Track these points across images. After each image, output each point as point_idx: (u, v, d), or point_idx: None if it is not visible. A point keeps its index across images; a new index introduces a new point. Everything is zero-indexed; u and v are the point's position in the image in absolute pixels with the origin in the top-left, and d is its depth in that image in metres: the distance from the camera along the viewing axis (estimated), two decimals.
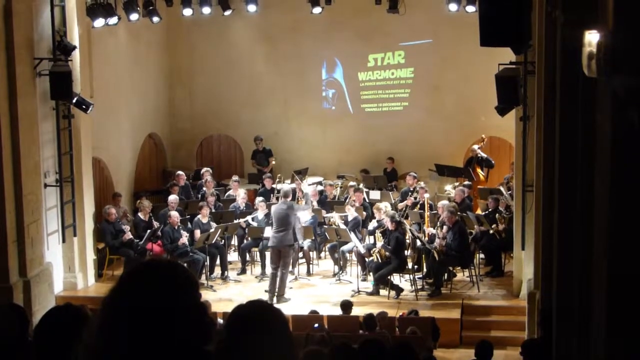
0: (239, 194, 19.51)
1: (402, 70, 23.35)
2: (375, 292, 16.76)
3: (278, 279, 16.56)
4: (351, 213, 18.10)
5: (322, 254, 19.12)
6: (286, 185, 18.38)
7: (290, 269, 17.22)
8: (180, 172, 20.68)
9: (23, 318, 5.94)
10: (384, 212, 17.21)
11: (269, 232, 17.14)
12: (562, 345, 8.97)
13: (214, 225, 17.85)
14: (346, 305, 14.69)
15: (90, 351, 2.80)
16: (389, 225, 16.60)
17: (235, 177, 20.95)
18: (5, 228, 14.77)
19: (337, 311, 14.90)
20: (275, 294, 16.53)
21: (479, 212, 18.93)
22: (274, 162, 22.79)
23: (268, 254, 17.49)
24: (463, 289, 17.12)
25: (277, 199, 18.49)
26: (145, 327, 2.73)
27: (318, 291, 17.29)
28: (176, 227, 17.56)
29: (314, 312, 14.81)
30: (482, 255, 18.27)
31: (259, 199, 19.06)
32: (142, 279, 2.83)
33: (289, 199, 17.08)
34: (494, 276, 17.76)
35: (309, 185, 20.68)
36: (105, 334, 2.77)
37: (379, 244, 16.82)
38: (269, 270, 17.14)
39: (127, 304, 2.77)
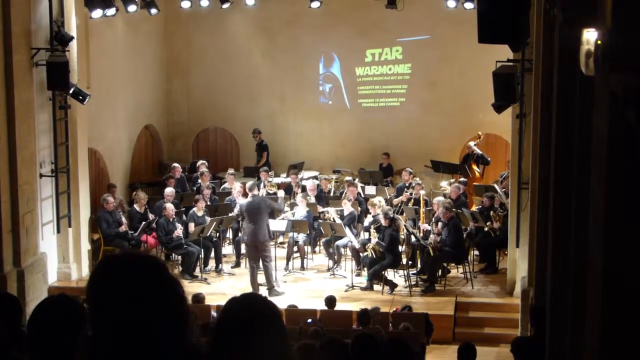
0: (235, 187, 19.49)
1: (399, 66, 23.34)
2: (369, 287, 16.77)
3: (263, 272, 16.57)
4: (347, 208, 18.11)
5: (317, 249, 19.12)
6: (250, 181, 18.31)
7: (272, 261, 16.98)
8: (176, 165, 20.65)
9: (16, 308, 5.94)
10: (379, 208, 17.23)
11: None
12: (556, 343, 8.98)
13: (208, 219, 17.85)
14: (330, 301, 14.67)
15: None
16: (382, 221, 16.61)
17: (231, 170, 20.93)
18: (0, 217, 14.75)
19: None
20: (261, 285, 16.59)
21: (474, 208, 18.95)
22: (264, 157, 22.72)
23: None
24: (457, 285, 17.14)
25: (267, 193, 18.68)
26: (126, 330, 2.70)
27: (312, 286, 17.30)
28: (171, 220, 17.58)
29: (292, 306, 14.79)
30: (476, 252, 18.29)
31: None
32: (111, 277, 2.79)
33: (256, 192, 17.00)
34: (488, 273, 17.78)
35: (303, 179, 20.74)
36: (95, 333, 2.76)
37: (374, 239, 16.82)
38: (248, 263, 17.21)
39: (103, 308, 2.74)
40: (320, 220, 18.51)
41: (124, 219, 17.82)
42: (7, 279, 14.82)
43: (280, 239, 19.28)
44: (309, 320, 13.20)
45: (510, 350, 10.80)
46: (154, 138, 23.86)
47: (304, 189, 19.88)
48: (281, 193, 18.69)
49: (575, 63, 5.87)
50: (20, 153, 15.13)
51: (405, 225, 17.37)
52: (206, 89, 24.15)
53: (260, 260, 16.58)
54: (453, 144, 22.63)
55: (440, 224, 16.95)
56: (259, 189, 19.02)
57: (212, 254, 18.16)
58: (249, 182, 17.47)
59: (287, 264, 18.08)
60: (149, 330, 2.70)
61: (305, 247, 18.47)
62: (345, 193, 19.17)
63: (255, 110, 23.86)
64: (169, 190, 18.50)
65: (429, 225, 17.49)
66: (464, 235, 17.24)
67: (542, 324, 10.45)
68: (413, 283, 16.88)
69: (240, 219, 17.51)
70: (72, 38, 16.37)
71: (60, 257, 16.91)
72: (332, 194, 20.17)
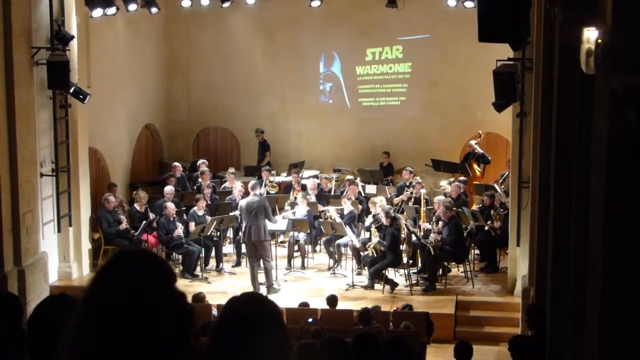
0: (236, 186, 19.47)
1: (399, 65, 23.35)
2: (370, 287, 16.78)
3: (263, 271, 16.57)
4: (347, 207, 18.11)
5: (318, 248, 19.12)
6: (252, 180, 18.32)
7: (272, 260, 16.97)
8: (176, 164, 20.64)
9: (17, 307, 5.94)
10: (380, 207, 17.23)
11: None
12: (556, 342, 8.98)
13: (209, 218, 17.85)
14: (332, 300, 14.68)
15: (72, 352, 2.76)
16: (384, 220, 16.61)
17: (231, 170, 20.93)
18: (1, 217, 14.75)
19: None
20: (262, 285, 16.61)
21: (474, 207, 18.95)
22: (266, 157, 22.71)
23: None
24: (457, 284, 17.15)
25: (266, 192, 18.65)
26: (124, 325, 2.69)
27: (313, 284, 17.30)
28: (172, 219, 17.58)
29: (304, 304, 14.80)
30: (477, 251, 18.29)
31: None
32: (118, 275, 2.79)
33: (257, 191, 16.98)
34: (489, 272, 17.78)
35: (303, 178, 20.76)
36: (85, 334, 2.73)
37: (375, 238, 16.82)
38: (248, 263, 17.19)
39: (105, 302, 2.73)
40: (321, 220, 18.51)
41: (123, 218, 17.84)
42: (8, 278, 14.82)
43: (281, 238, 19.28)
44: (310, 320, 13.21)
45: (508, 349, 10.80)
46: (155, 137, 23.86)
47: (304, 187, 19.88)
48: (299, 199, 18.55)
49: (575, 62, 5.87)
50: (20, 152, 15.13)
51: (405, 224, 17.37)
52: (206, 88, 24.16)
53: (260, 260, 16.59)
54: (453, 143, 22.63)
55: (440, 223, 16.95)
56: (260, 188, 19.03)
57: (213, 253, 18.17)
58: (252, 181, 17.49)
59: (288, 263, 18.09)
60: (146, 329, 2.70)
61: (306, 246, 18.47)
62: (346, 192, 19.17)
63: (255, 109, 23.86)
64: (169, 189, 18.49)
65: (430, 224, 17.50)
66: (465, 234, 17.24)
67: (539, 324, 10.45)
68: (414, 282, 16.89)
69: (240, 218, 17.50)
70: (72, 37, 16.37)
71: (60, 257, 16.92)
72: (332, 193, 20.18)
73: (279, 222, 17.54)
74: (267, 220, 16.53)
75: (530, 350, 10.20)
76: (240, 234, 18.42)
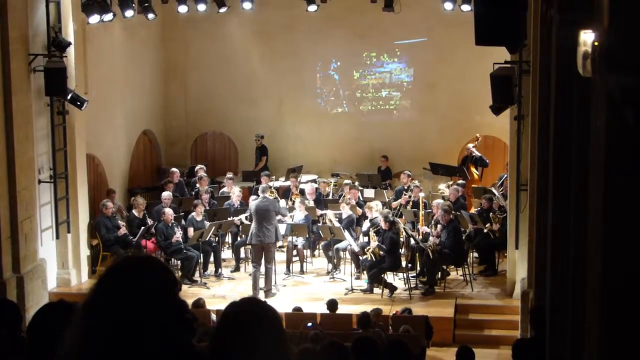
0: (234, 191, 19.47)
1: (397, 69, 23.36)
2: (369, 291, 16.77)
3: (263, 275, 16.58)
4: (345, 211, 18.11)
5: (316, 252, 19.10)
6: (262, 184, 18.38)
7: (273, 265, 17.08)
8: (174, 169, 20.65)
9: (16, 314, 5.94)
10: (376, 211, 17.24)
11: None
12: (556, 344, 8.97)
13: (207, 223, 17.85)
14: (332, 304, 14.67)
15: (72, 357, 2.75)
16: (382, 224, 16.61)
17: (229, 175, 20.91)
18: None
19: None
20: (262, 290, 16.64)
21: (473, 211, 18.95)
22: (262, 161, 22.70)
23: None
24: (457, 287, 17.14)
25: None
26: (125, 330, 2.69)
27: (311, 289, 17.29)
28: (170, 224, 17.57)
29: (297, 309, 14.79)
30: (475, 254, 18.28)
31: (253, 197, 19.02)
32: (119, 282, 2.78)
33: (267, 194, 17.02)
34: (488, 275, 17.78)
35: (302, 183, 20.75)
36: (86, 341, 2.73)
37: (373, 242, 16.81)
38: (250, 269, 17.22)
39: (106, 309, 2.72)
40: (320, 224, 18.51)
41: (122, 224, 17.83)
42: (7, 285, 14.81)
43: (280, 243, 19.26)
44: (309, 324, 13.21)
45: (512, 353, 10.78)
46: (152, 143, 23.86)
47: (302, 192, 19.88)
48: (298, 203, 18.68)
49: (572, 64, 5.87)
50: (18, 159, 15.12)
51: (404, 228, 17.36)
52: (204, 93, 24.16)
53: (263, 262, 16.57)
54: (451, 146, 22.64)
55: (439, 226, 16.95)
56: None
57: (212, 259, 18.17)
58: (262, 185, 17.54)
59: (287, 267, 18.08)
60: (146, 338, 2.70)
61: (305, 251, 18.46)
62: (344, 196, 19.16)
63: (253, 114, 23.87)
64: (166, 194, 18.50)
65: (428, 227, 17.50)
66: (463, 238, 17.24)
67: (543, 325, 10.44)
68: (413, 286, 16.88)
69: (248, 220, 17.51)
70: (69, 44, 16.38)
71: (59, 263, 16.91)
72: (330, 198, 20.16)
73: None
74: (280, 216, 16.94)
75: (532, 352, 10.19)
76: (239, 239, 18.46)
